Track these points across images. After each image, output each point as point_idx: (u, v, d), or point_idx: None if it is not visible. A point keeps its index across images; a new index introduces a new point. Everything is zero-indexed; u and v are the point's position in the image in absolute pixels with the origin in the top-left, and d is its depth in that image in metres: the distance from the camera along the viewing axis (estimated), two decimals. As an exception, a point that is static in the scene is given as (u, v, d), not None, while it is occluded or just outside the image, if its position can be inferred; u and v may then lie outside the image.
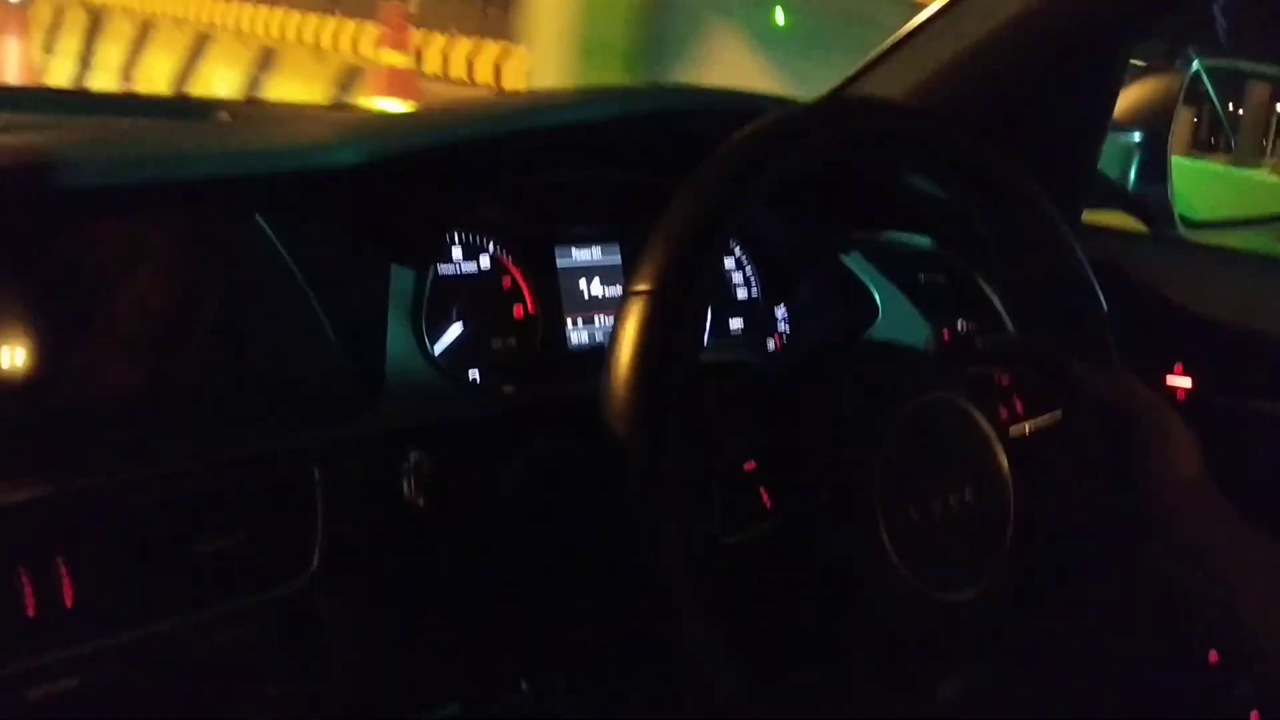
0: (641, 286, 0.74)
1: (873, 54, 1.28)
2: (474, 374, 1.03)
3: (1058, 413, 0.94)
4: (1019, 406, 0.94)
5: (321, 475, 0.83)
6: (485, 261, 1.06)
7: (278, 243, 0.85)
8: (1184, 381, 1.22)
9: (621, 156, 1.07)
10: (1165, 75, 1.31)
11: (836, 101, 0.85)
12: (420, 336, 0.92)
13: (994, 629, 0.86)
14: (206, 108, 1.15)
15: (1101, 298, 0.98)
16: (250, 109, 1.28)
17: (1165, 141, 1.32)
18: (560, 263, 1.11)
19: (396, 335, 0.90)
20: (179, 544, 0.77)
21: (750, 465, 0.82)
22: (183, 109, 1.14)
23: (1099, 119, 1.28)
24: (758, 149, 0.80)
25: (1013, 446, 0.88)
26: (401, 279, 0.92)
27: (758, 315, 1.27)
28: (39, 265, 0.78)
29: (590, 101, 1.00)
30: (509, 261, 1.08)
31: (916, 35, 1.23)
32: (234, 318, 0.84)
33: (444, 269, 1.03)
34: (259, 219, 0.84)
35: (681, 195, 0.77)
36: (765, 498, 0.81)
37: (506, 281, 1.08)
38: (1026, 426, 0.93)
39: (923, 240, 1.28)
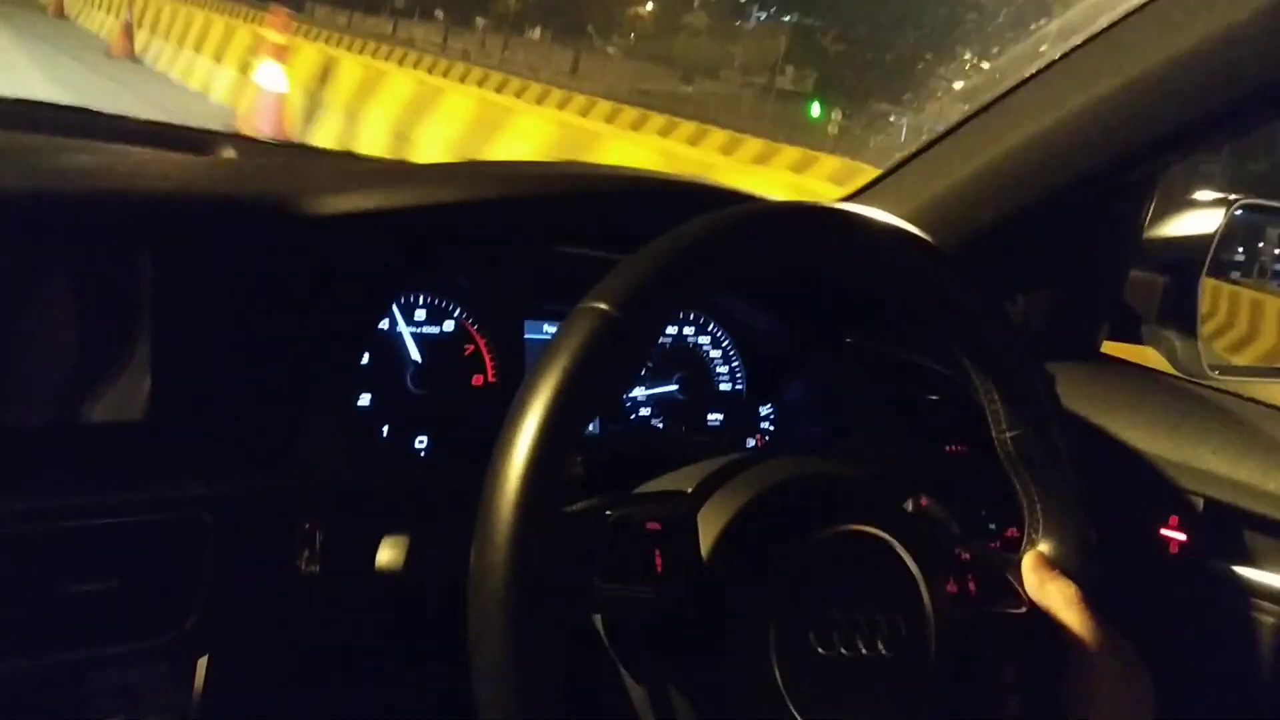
0: (592, 304, 0.71)
1: (885, 168, 1.25)
2: (420, 441, 1.01)
3: (1004, 611, 0.86)
4: (971, 586, 0.87)
5: (213, 529, 0.81)
6: (448, 326, 1.05)
7: (207, 284, 0.84)
8: (1179, 535, 1.14)
9: (600, 235, 1.04)
10: (1203, 210, 1.25)
11: (825, 209, 0.81)
12: (348, 397, 0.90)
13: None
14: (211, 141, 1.16)
15: (1081, 497, 0.89)
16: (257, 146, 1.29)
17: (1198, 280, 1.25)
18: (529, 336, 1.08)
19: (322, 393, 0.88)
20: (48, 582, 0.75)
21: (654, 525, 0.78)
22: (187, 141, 1.14)
23: (1122, 248, 1.22)
24: (739, 224, 0.77)
25: (947, 620, 0.82)
26: (339, 336, 0.90)
27: (741, 410, 1.23)
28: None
29: (561, 179, 0.98)
30: (474, 329, 1.06)
31: (929, 150, 1.19)
32: (151, 358, 0.82)
33: (402, 328, 1.01)
34: (188, 257, 0.84)
35: (661, 239, 0.75)
36: (659, 562, 0.76)
37: (469, 349, 1.06)
38: (968, 609, 0.86)
39: (924, 356, 1.23)
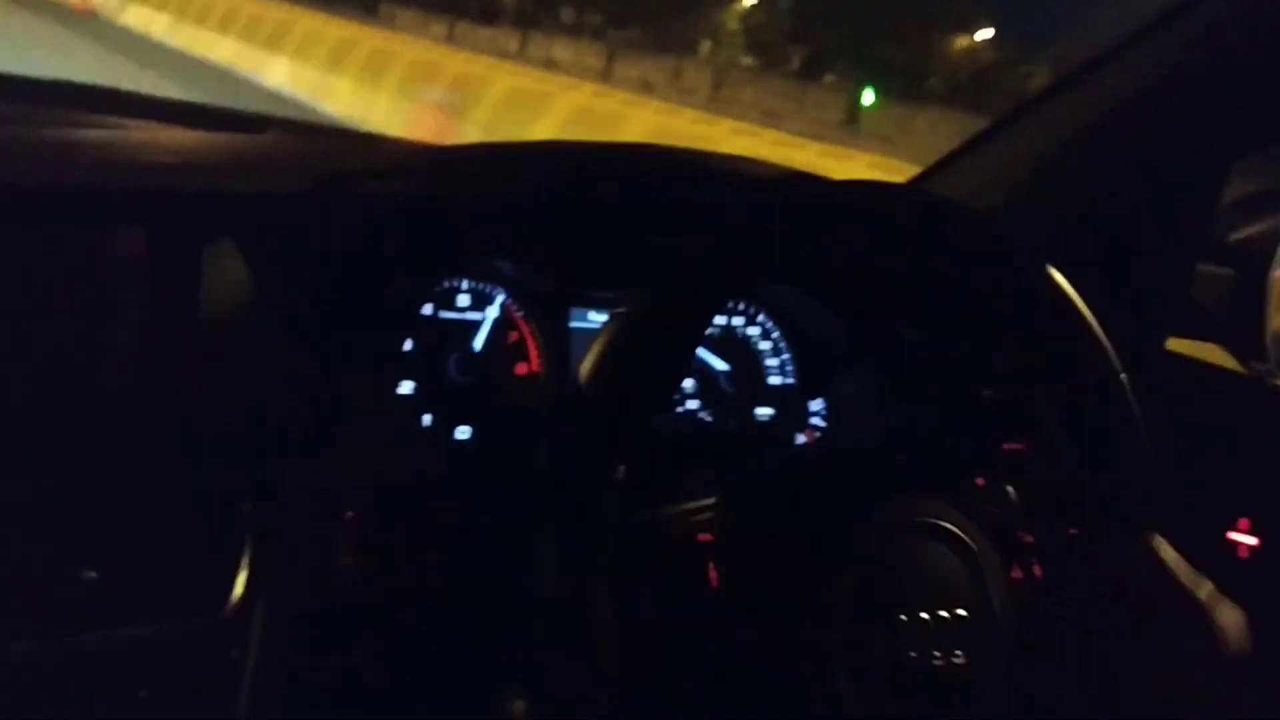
0: (629, 308, 0.72)
1: (950, 151, 1.21)
2: (462, 430, 0.99)
3: (1074, 588, 0.83)
4: (1036, 570, 0.84)
5: (253, 517, 0.79)
6: (493, 312, 1.02)
7: (247, 268, 0.83)
8: (1250, 540, 1.09)
9: (647, 220, 1.02)
10: (1275, 203, 1.20)
11: (871, 185, 0.79)
12: (390, 384, 0.88)
13: None
14: (258, 123, 1.15)
15: (1149, 458, 0.86)
16: (302, 129, 1.27)
17: (1267, 275, 1.20)
18: (574, 324, 1.06)
19: (364, 380, 0.86)
20: (90, 564, 0.74)
21: (707, 538, 0.75)
22: (234, 123, 1.13)
23: (1189, 242, 1.18)
24: (770, 216, 0.76)
25: (1013, 607, 0.79)
26: (381, 322, 0.88)
27: (791, 405, 1.20)
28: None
29: (600, 161, 0.96)
30: (519, 316, 1.03)
31: (996, 133, 1.16)
32: (191, 343, 0.81)
33: (445, 315, 0.99)
34: (231, 242, 0.82)
35: (693, 240, 0.74)
36: (714, 575, 0.74)
37: (513, 336, 1.03)
38: (1039, 593, 0.83)
39: (983, 351, 1.19)
